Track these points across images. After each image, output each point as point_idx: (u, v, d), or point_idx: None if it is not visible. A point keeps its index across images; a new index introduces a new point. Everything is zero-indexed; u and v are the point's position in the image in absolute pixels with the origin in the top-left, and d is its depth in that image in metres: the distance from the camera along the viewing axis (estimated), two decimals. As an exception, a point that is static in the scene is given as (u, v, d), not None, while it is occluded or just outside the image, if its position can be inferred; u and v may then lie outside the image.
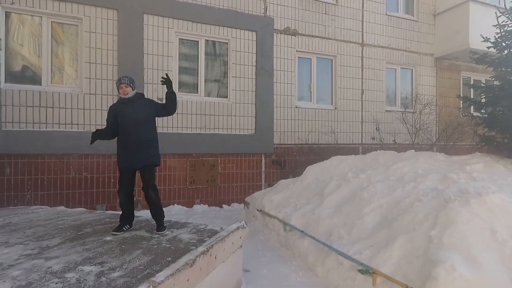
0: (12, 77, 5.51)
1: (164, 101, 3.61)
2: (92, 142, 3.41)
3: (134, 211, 3.56)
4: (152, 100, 3.67)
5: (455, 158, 5.12)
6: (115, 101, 5.86)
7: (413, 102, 8.44)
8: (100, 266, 2.45)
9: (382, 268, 2.89)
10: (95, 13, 5.85)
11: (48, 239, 3.05)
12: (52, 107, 5.59)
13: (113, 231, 3.31)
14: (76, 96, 5.75)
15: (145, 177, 3.40)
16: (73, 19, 5.82)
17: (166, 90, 3.56)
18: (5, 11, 5.43)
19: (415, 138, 7.66)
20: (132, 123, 3.38)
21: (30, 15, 5.62)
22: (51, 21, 5.73)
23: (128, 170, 3.39)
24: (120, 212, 3.49)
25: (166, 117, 6.15)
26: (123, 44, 6.01)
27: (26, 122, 5.42)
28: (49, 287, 2.10)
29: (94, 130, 3.48)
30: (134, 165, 3.37)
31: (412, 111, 8.45)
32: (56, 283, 2.15)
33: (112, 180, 5.98)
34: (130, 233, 3.30)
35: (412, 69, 9.36)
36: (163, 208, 3.54)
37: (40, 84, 5.64)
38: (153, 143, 3.48)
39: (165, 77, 3.53)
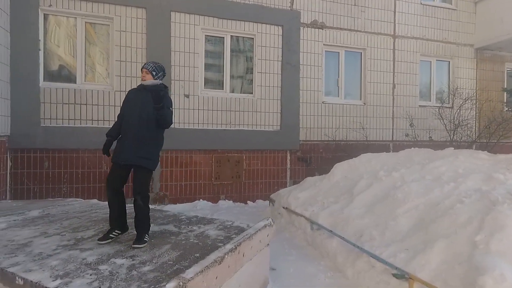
0: (50, 76, 5.78)
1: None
2: (107, 153, 3.06)
3: (161, 207, 3.32)
4: (166, 97, 3.01)
5: (501, 156, 4.73)
6: None
7: (452, 97, 7.94)
8: (131, 259, 2.50)
9: (419, 273, 2.73)
10: (125, 12, 5.99)
11: (83, 231, 3.17)
12: (86, 104, 5.81)
13: (98, 240, 2.82)
14: (107, 94, 5.94)
15: (135, 180, 2.91)
16: (104, 19, 6.00)
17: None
18: (44, 13, 5.68)
19: (453, 135, 7.24)
20: (135, 114, 2.95)
21: (66, 17, 5.85)
22: (85, 22, 5.93)
23: (119, 165, 2.92)
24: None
25: (188, 112, 6.43)
26: (151, 42, 6.12)
27: (62, 119, 5.68)
28: (84, 278, 2.17)
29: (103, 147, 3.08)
30: (124, 160, 2.89)
31: (450, 106, 8.01)
32: (90, 275, 2.22)
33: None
34: (159, 227, 3.35)
35: (449, 61, 8.85)
36: (190, 203, 3.36)
37: (75, 82, 5.88)
38: (151, 143, 2.97)
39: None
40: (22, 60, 5.40)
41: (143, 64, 3.18)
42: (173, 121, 3.12)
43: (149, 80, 3.03)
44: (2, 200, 5.09)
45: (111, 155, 3.03)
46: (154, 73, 3.05)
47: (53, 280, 2.12)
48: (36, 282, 2.10)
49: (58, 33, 5.87)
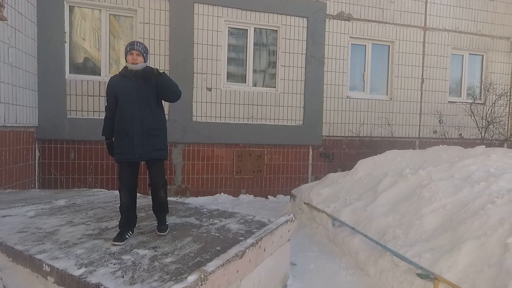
0: (75, 68, 5.92)
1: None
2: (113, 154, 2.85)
3: (183, 200, 3.26)
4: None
5: (536, 156, 4.48)
6: None
7: (485, 92, 7.54)
8: (153, 250, 2.51)
9: (445, 274, 2.64)
10: (148, 4, 6.03)
11: (107, 221, 3.22)
12: (111, 96, 5.91)
13: (113, 241, 2.60)
14: (132, 86, 6.03)
15: (152, 174, 2.82)
16: (128, 11, 6.05)
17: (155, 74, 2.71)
18: (69, 5, 5.79)
19: (485, 133, 6.90)
20: (135, 105, 2.70)
21: (91, 9, 5.95)
22: (109, 14, 6.01)
23: (129, 163, 2.76)
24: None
25: (210, 105, 6.43)
26: (174, 34, 6.14)
27: (87, 111, 5.81)
28: (108, 267, 2.19)
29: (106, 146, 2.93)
30: (135, 158, 2.73)
31: (482, 102, 7.62)
32: (114, 264, 2.25)
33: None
34: (181, 219, 3.37)
35: (482, 55, 8.41)
36: (211, 196, 3.34)
37: (100, 75, 5.99)
38: (159, 133, 2.81)
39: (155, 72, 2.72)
40: (48, 52, 5.55)
41: (129, 44, 2.74)
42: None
43: (141, 64, 2.72)
44: (31, 189, 5.29)
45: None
46: (145, 55, 2.76)
47: (78, 268, 2.16)
48: (62, 270, 2.15)
49: (83, 25, 6.00)
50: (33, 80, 5.38)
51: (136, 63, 2.70)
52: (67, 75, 5.76)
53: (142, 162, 2.86)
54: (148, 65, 2.83)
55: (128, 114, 2.71)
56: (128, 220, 2.78)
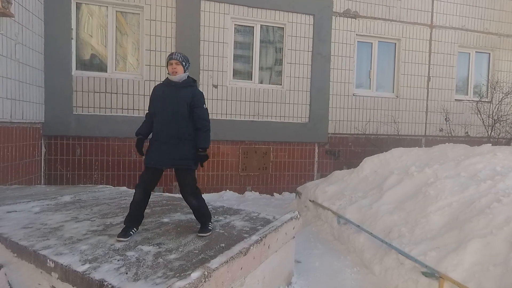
0: (81, 64, 5.94)
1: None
2: (142, 153, 2.90)
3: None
4: (200, 94, 2.89)
5: (543, 154, 4.43)
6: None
7: (492, 90, 7.47)
8: (157, 247, 2.51)
9: (451, 273, 2.63)
10: (155, 1, 6.03)
11: (112, 217, 3.23)
12: (116, 93, 5.94)
13: (118, 237, 2.62)
14: (137, 83, 6.04)
15: (180, 183, 2.83)
16: (135, 7, 6.07)
17: (200, 153, 2.83)
18: (76, 2, 5.81)
19: (491, 131, 6.83)
20: (169, 115, 2.76)
21: (98, 5, 5.97)
22: (116, 11, 6.03)
23: (152, 169, 2.81)
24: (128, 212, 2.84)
25: (216, 102, 6.42)
26: (180, 31, 6.14)
27: (94, 107, 5.84)
28: (112, 263, 2.19)
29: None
30: (159, 165, 2.79)
31: (488, 100, 7.54)
32: (118, 260, 2.25)
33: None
34: (186, 216, 3.37)
35: (489, 53, 8.32)
36: (217, 193, 3.36)
37: (106, 71, 6.01)
38: (189, 143, 2.81)
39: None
40: (55, 49, 5.58)
41: (169, 54, 2.85)
42: (208, 120, 2.91)
43: (179, 75, 2.81)
44: (37, 185, 5.34)
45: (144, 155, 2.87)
46: (183, 63, 2.84)
47: (82, 264, 2.16)
48: (66, 266, 2.15)
49: (90, 22, 6.02)
50: (39, 77, 5.41)
51: (176, 72, 2.80)
52: (74, 71, 5.79)
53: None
54: (188, 75, 2.92)
55: (160, 122, 2.80)
56: (134, 217, 2.79)
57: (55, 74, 5.58)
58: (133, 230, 2.74)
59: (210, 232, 2.81)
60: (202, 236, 2.74)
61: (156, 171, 2.82)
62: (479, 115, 6.99)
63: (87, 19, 5.99)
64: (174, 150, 2.75)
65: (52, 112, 5.59)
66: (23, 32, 4.84)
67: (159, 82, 6.09)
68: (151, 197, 3.78)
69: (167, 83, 2.86)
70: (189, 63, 2.93)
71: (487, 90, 7.96)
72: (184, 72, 2.85)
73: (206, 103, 2.92)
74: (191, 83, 2.89)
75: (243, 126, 6.54)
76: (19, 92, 4.78)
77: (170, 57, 2.81)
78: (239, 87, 6.55)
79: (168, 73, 2.85)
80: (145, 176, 2.82)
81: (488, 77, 8.24)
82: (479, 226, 2.90)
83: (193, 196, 2.82)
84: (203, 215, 2.87)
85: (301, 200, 5.46)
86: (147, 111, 2.98)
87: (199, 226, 2.85)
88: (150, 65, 6.07)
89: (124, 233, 2.65)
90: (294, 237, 3.16)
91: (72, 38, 5.73)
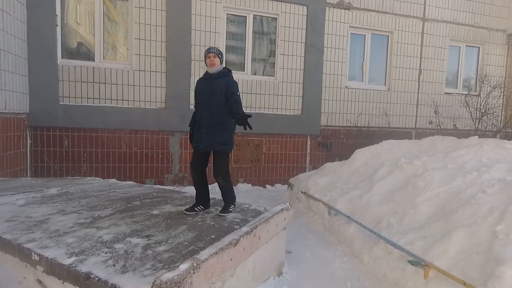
0: (68, 53, 5.76)
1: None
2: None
3: (179, 188, 3.49)
4: (233, 83, 3.17)
5: (528, 146, 4.51)
6: (163, 78, 6.09)
7: (480, 84, 7.58)
8: (147, 239, 2.48)
9: (436, 261, 2.69)
10: (145, -12, 5.87)
11: (100, 210, 3.18)
12: (105, 83, 5.80)
13: (185, 210, 3.18)
14: (126, 73, 5.91)
15: (214, 163, 3.21)
16: (124, -6, 5.89)
17: (241, 114, 2.98)
18: (61, -12, 5.60)
19: (478, 124, 6.94)
20: (206, 104, 3.12)
21: (84, -8, 5.77)
22: (103, -2, 5.85)
23: (198, 151, 3.22)
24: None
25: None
26: (171, 20, 6.00)
27: (81, 97, 5.70)
28: (99, 256, 2.16)
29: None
30: (200, 148, 3.18)
31: (477, 94, 7.63)
32: (106, 253, 2.21)
33: (160, 156, 6.16)
34: (176, 208, 3.34)
35: (479, 47, 8.39)
36: (210, 185, 3.42)
37: (94, 60, 5.85)
38: (224, 129, 3.15)
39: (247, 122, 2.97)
40: (39, 36, 5.36)
41: (207, 49, 3.17)
42: (241, 105, 3.18)
43: (216, 67, 3.13)
44: (22, 178, 5.21)
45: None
46: (220, 56, 3.15)
47: (68, 257, 2.12)
48: (52, 259, 2.11)
49: (77, 9, 5.83)
50: (23, 65, 5.23)
51: (213, 64, 3.12)
52: (59, 60, 5.61)
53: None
54: (224, 66, 3.27)
55: (201, 111, 3.17)
56: (198, 195, 3.30)
57: (40, 62, 5.40)
58: (199, 207, 3.24)
59: (230, 213, 3.19)
60: (222, 215, 3.12)
61: (200, 154, 3.22)
62: (467, 108, 7.12)
63: (74, 6, 5.80)
64: (212, 135, 3.12)
65: (38, 102, 5.43)
66: (3, 17, 4.62)
67: (148, 72, 6.06)
68: (141, 189, 3.85)
69: (206, 75, 3.22)
70: (223, 55, 3.26)
71: (476, 84, 8.05)
72: (220, 64, 3.19)
73: (239, 90, 3.24)
74: (226, 73, 3.21)
75: (235, 118, 6.48)
76: (0, 81, 4.60)
77: (209, 51, 3.14)
78: (230, 78, 6.47)
79: (206, 66, 3.18)
80: (193, 158, 3.29)
81: (477, 70, 8.32)
82: (465, 216, 2.95)
83: (221, 177, 3.19)
84: (228, 196, 3.26)
85: (293, 192, 5.48)
86: (194, 104, 3.34)
87: (222, 207, 3.25)
88: (139, 55, 5.94)
89: (190, 208, 3.21)
90: (285, 228, 3.16)
91: (57, 25, 5.53)
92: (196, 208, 3.22)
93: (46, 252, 2.18)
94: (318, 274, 3.16)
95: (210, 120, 3.11)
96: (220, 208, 3.27)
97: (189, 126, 3.42)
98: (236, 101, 3.10)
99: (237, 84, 3.23)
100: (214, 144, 3.13)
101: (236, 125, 3.19)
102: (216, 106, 3.11)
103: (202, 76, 3.30)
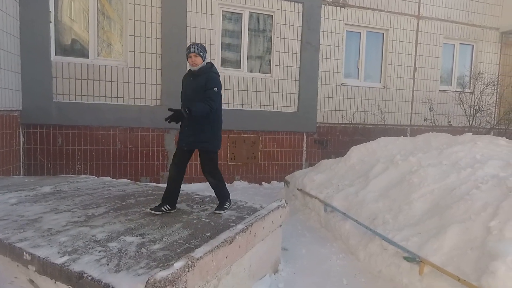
0: (62, 50, 5.68)
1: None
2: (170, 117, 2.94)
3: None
4: (211, 79, 3.07)
5: (521, 143, 4.56)
6: (159, 75, 6.04)
7: (474, 81, 7.62)
8: (141, 237, 2.46)
9: (431, 257, 2.70)
10: (139, -17, 5.80)
11: (94, 208, 3.15)
12: (99, 80, 5.74)
13: (150, 209, 3.04)
14: (121, 70, 5.86)
15: (201, 162, 3.17)
16: (118, -10, 5.82)
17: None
18: (54, -17, 5.52)
19: (472, 121, 6.99)
20: (188, 100, 3.06)
21: (79, -12, 5.70)
22: (98, -6, 5.77)
23: (181, 149, 3.15)
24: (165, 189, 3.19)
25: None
26: (166, 17, 5.95)
27: (75, 95, 5.63)
28: (93, 255, 2.13)
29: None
30: (183, 146, 3.12)
31: (471, 91, 7.68)
32: (99, 252, 2.19)
33: (156, 153, 6.12)
34: (171, 206, 3.31)
35: (473, 45, 8.44)
36: (205, 183, 3.41)
37: (88, 57, 5.78)
38: (205, 127, 3.06)
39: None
40: (32, 33, 5.28)
41: (187, 48, 3.07)
42: (216, 100, 3.08)
43: (198, 66, 3.06)
44: (15, 176, 5.15)
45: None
46: (201, 54, 3.07)
47: (60, 256, 2.09)
48: (44, 258, 2.08)
49: (71, 5, 5.75)
50: (15, 62, 5.14)
51: (195, 64, 3.05)
52: (53, 57, 5.53)
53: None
54: (208, 61, 3.16)
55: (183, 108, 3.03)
56: (168, 193, 3.12)
57: (33, 59, 5.31)
58: (166, 207, 3.07)
59: (226, 211, 3.17)
60: (217, 213, 3.10)
61: (183, 151, 3.15)
62: (461, 105, 7.16)
63: (68, 2, 5.72)
64: (195, 134, 3.06)
65: (31, 100, 5.35)
66: (-5, 13, 4.57)
67: (144, 69, 6.01)
68: (136, 187, 3.80)
69: (189, 72, 3.20)
70: (205, 51, 3.14)
71: (470, 81, 8.10)
72: (203, 61, 3.10)
73: (220, 87, 3.13)
74: (208, 69, 3.12)
75: (231, 115, 6.44)
76: (-7, 77, 4.54)
77: (189, 51, 3.04)
78: (227, 76, 6.44)
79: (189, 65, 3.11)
80: (175, 154, 3.20)
81: (471, 68, 8.37)
82: (459, 212, 2.97)
83: (211, 176, 3.16)
84: (221, 194, 3.22)
85: (289, 189, 5.49)
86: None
87: (217, 205, 3.21)
88: (134, 52, 5.88)
89: (157, 208, 3.05)
90: (281, 225, 3.16)
91: (50, 22, 5.45)
92: (162, 208, 3.05)
93: (38, 251, 2.16)
94: (314, 271, 3.16)
95: (190, 117, 2.96)
96: (215, 206, 3.25)
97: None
98: (207, 96, 2.99)
99: (217, 78, 3.14)
100: (197, 143, 3.08)
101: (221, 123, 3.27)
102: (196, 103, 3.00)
103: (187, 73, 3.26)
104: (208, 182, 3.24)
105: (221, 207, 3.17)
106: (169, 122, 2.88)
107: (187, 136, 3.09)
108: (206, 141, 3.09)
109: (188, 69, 3.24)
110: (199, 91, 3.03)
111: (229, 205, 3.26)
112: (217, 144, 3.21)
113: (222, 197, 3.23)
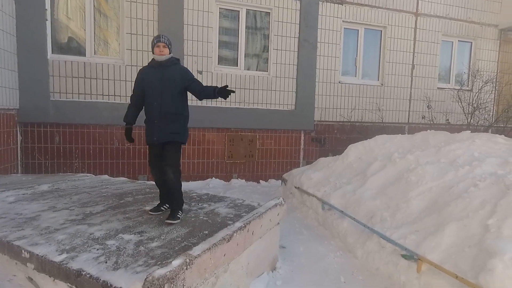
0: (58, 48, 5.66)
1: (200, 77, 3.07)
2: (131, 140, 3.06)
3: None
4: (186, 70, 3.07)
5: (519, 140, 4.56)
6: None
7: (473, 78, 7.62)
8: (139, 235, 2.47)
9: (429, 255, 2.70)
10: (136, -19, 5.77)
11: (92, 206, 3.15)
12: (96, 78, 5.72)
13: (150, 210, 3.00)
14: (118, 68, 5.84)
15: (164, 154, 2.92)
16: (115, -12, 5.79)
17: (219, 88, 2.82)
18: (51, -18, 5.49)
19: (470, 119, 7.00)
20: (157, 93, 2.89)
21: (75, -14, 5.66)
22: (94, -8, 5.75)
23: (153, 146, 2.97)
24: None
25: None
26: (163, 14, 5.93)
27: (72, 93, 5.61)
28: (91, 253, 2.14)
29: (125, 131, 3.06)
30: (155, 141, 2.92)
31: (469, 88, 7.69)
32: (97, 249, 2.19)
33: (153, 151, 6.10)
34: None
35: (471, 42, 8.44)
36: (203, 181, 3.39)
37: (85, 55, 5.76)
38: (178, 119, 2.96)
39: (230, 90, 2.88)
40: (29, 31, 5.26)
41: (156, 37, 2.97)
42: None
43: (166, 56, 2.95)
44: (12, 174, 5.13)
45: (144, 138, 3.04)
46: (169, 47, 2.98)
47: (59, 254, 2.10)
48: (42, 256, 2.08)
49: (68, 3, 5.72)
50: (12, 60, 5.12)
51: (163, 55, 2.92)
52: (50, 55, 5.51)
53: None
54: (173, 55, 3.04)
55: (151, 101, 2.92)
56: (162, 194, 3.08)
57: (29, 57, 5.29)
58: (164, 207, 3.05)
59: (179, 221, 2.80)
60: (169, 223, 2.73)
61: (156, 148, 2.96)
62: (459, 103, 7.15)
63: (65, 0, 5.68)
64: (166, 126, 2.89)
65: (28, 98, 5.33)
66: (-8, 12, 4.55)
67: (141, 67, 5.96)
68: (133, 185, 3.79)
69: (153, 64, 2.98)
70: (172, 46, 3.06)
71: (468, 79, 8.10)
72: (170, 54, 2.99)
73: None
74: (175, 61, 3.02)
75: (229, 113, 6.46)
76: (-11, 76, 4.52)
77: (158, 40, 2.93)
78: (224, 74, 6.43)
79: (153, 54, 2.96)
80: (148, 155, 3.04)
81: (469, 65, 8.37)
82: (457, 210, 2.97)
83: (172, 171, 2.87)
84: (177, 198, 2.92)
85: (287, 187, 5.49)
86: (132, 94, 3.09)
87: (169, 213, 2.86)
88: (131, 50, 5.86)
89: (156, 208, 3.02)
90: (278, 223, 3.16)
91: (46, 20, 5.43)
92: (161, 208, 3.05)
93: (36, 249, 2.16)
94: (312, 269, 3.17)
95: (161, 110, 2.88)
96: (213, 204, 3.25)
97: (124, 120, 3.07)
98: (200, 83, 3.00)
99: (188, 70, 3.12)
100: (168, 135, 2.91)
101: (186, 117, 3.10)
102: (168, 96, 2.90)
103: (147, 64, 3.07)
104: (167, 180, 2.93)
105: (173, 215, 2.81)
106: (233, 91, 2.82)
107: (157, 129, 2.89)
108: (177, 132, 2.95)
109: (192, 70, 3.17)
110: (169, 82, 2.90)
111: (182, 215, 2.90)
112: (186, 136, 3.08)
113: (177, 202, 2.92)
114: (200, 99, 3.11)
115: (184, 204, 3.05)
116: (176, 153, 2.97)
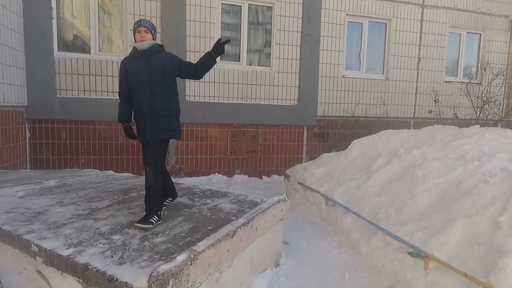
0: (64, 45, 5.71)
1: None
2: (133, 137, 2.84)
3: (176, 180, 3.26)
4: (173, 56, 2.77)
5: (531, 135, 4.46)
6: None
7: (482, 71, 7.45)
8: (144, 230, 2.50)
9: (436, 253, 2.65)
10: (139, -22, 5.78)
11: (98, 201, 3.20)
12: (101, 75, 5.76)
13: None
14: (122, 64, 5.86)
15: (148, 153, 2.70)
16: (118, -15, 5.80)
17: (212, 49, 2.65)
18: (56, -20, 5.52)
19: (480, 113, 6.86)
20: (144, 87, 2.62)
21: (79, -17, 5.69)
22: (98, -11, 5.76)
23: (146, 144, 2.73)
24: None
25: (203, 84, 6.30)
26: (165, 10, 5.93)
27: (78, 90, 5.67)
28: (97, 247, 2.18)
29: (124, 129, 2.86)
30: (149, 140, 2.67)
31: (478, 82, 7.55)
32: (103, 244, 2.23)
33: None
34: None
35: (480, 34, 8.26)
36: (205, 176, 3.33)
37: (90, 53, 5.80)
38: (172, 114, 2.74)
39: (222, 41, 2.67)
40: (35, 29, 5.32)
41: (136, 21, 2.67)
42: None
43: (148, 42, 2.63)
44: (22, 170, 5.22)
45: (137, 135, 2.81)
46: (153, 31, 2.68)
47: (66, 248, 2.14)
48: (50, 250, 2.13)
49: (73, 2, 5.75)
50: (20, 58, 5.19)
51: (145, 40, 2.61)
52: (56, 53, 5.56)
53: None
54: (157, 42, 2.74)
55: (140, 97, 2.65)
56: (163, 187, 2.88)
57: (36, 55, 5.36)
58: (167, 201, 3.03)
59: (151, 226, 2.49)
60: (139, 227, 2.46)
61: (149, 145, 2.74)
62: (468, 97, 7.02)
63: (70, -1, 5.73)
64: (159, 122, 2.67)
65: (35, 95, 5.40)
66: (0, 10, 4.60)
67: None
68: (138, 181, 3.80)
69: (135, 54, 2.68)
70: (156, 32, 2.77)
71: (477, 72, 7.96)
72: (153, 40, 2.69)
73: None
74: (159, 48, 2.71)
75: (231, 108, 6.47)
76: (-2, 74, 4.58)
77: (139, 24, 2.63)
78: (226, 69, 6.43)
79: (134, 42, 2.67)
80: (143, 153, 2.81)
81: (478, 58, 8.21)
82: (465, 207, 2.91)
83: (153, 168, 2.64)
84: (152, 198, 2.62)
85: (289, 183, 5.48)
86: (119, 91, 2.81)
87: (143, 216, 2.57)
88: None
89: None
90: (282, 219, 3.17)
91: (52, 18, 5.47)
92: (165, 202, 2.98)
93: (45, 243, 2.21)
94: (315, 265, 3.16)
95: (152, 105, 2.63)
96: (216, 199, 3.26)
97: (118, 120, 2.83)
98: (189, 62, 2.80)
99: (175, 55, 2.83)
100: (163, 132, 2.68)
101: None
102: (158, 89, 2.64)
103: (128, 55, 2.75)
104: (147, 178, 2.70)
105: (146, 219, 2.49)
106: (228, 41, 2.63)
107: (151, 127, 2.65)
108: (173, 129, 2.75)
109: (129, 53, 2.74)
110: (157, 72, 2.63)
111: (157, 221, 2.58)
112: (180, 132, 2.86)
113: (153, 205, 2.61)
114: (200, 78, 2.81)
115: (183, 198, 2.95)
116: (161, 151, 2.74)
